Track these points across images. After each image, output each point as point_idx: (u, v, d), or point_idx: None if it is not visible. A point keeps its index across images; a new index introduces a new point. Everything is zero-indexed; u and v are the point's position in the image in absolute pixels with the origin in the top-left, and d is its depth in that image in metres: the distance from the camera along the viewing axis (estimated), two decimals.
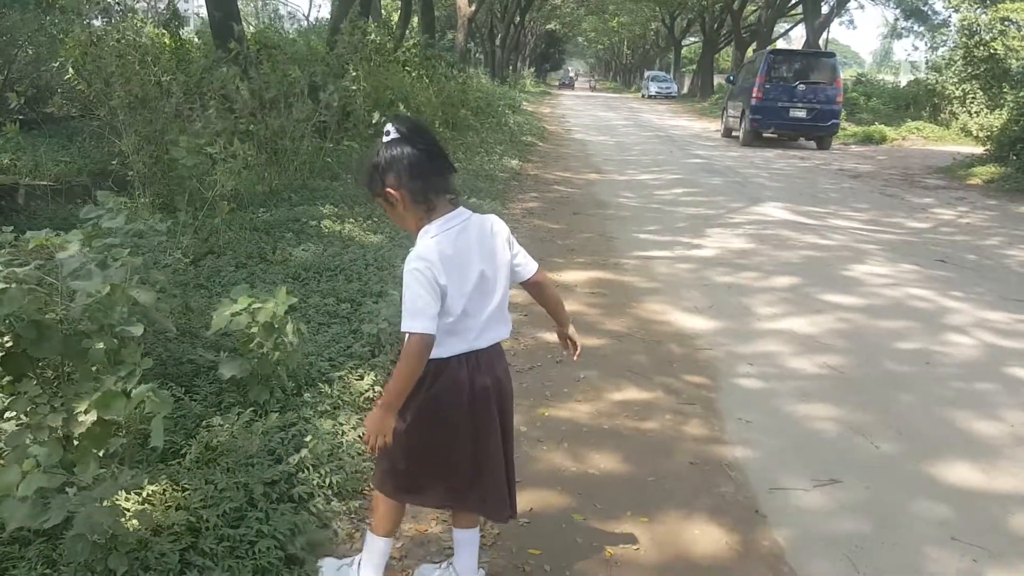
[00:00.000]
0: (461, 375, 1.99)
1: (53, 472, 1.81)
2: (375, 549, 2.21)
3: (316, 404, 3.11)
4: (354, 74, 9.56)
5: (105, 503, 1.87)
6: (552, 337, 4.48)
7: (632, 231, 7.95)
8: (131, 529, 1.99)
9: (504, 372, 2.11)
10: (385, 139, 1.96)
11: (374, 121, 8.44)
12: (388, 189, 1.94)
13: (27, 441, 1.88)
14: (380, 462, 2.13)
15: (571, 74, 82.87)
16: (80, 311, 2.40)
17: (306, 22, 38.17)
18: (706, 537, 2.65)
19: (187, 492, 2.33)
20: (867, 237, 8.06)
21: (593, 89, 66.25)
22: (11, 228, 2.62)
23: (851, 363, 4.39)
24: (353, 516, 2.61)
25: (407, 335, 1.89)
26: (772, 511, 2.81)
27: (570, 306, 5.13)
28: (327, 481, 2.64)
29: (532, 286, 2.18)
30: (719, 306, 5.39)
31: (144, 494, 2.27)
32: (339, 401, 3.19)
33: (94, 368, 2.38)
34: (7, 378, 2.43)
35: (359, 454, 2.85)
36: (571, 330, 2.29)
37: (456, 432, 2.03)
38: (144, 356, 2.36)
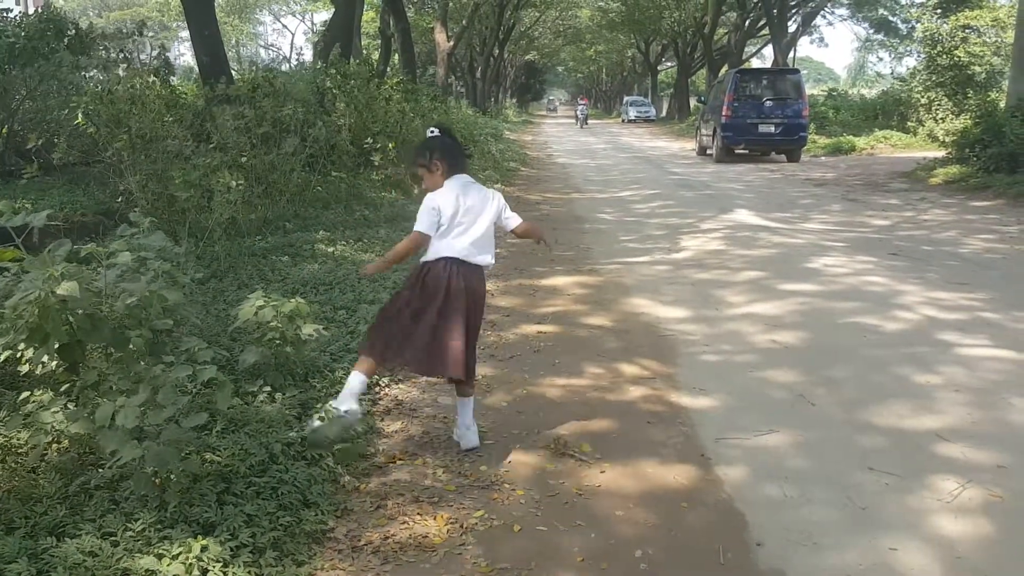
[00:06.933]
0: (443, 275, 3.14)
1: (137, 410, 2.28)
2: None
3: (322, 388, 3.57)
4: (341, 109, 10.10)
5: (169, 447, 2.34)
6: (530, 330, 5.02)
7: (610, 241, 8.46)
8: (182, 470, 2.45)
9: (479, 283, 3.23)
10: (430, 135, 3.30)
11: (368, 144, 9.05)
12: (435, 160, 3.21)
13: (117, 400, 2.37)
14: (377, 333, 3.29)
15: (556, 103, 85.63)
16: (123, 308, 2.88)
17: (287, 65, 38.92)
18: (658, 475, 3.11)
19: (218, 452, 2.78)
20: (829, 235, 8.60)
21: (583, 123, 42.23)
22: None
23: (802, 337, 4.88)
24: (358, 475, 3.05)
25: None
26: (716, 455, 3.27)
27: (554, 305, 5.66)
28: (335, 446, 3.08)
29: (520, 234, 3.41)
30: (690, 299, 5.87)
31: (182, 455, 2.71)
32: (342, 386, 3.64)
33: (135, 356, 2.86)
34: (64, 366, 2.91)
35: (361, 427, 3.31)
36: (543, 234, 3.58)
37: (430, 307, 3.11)
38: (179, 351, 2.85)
